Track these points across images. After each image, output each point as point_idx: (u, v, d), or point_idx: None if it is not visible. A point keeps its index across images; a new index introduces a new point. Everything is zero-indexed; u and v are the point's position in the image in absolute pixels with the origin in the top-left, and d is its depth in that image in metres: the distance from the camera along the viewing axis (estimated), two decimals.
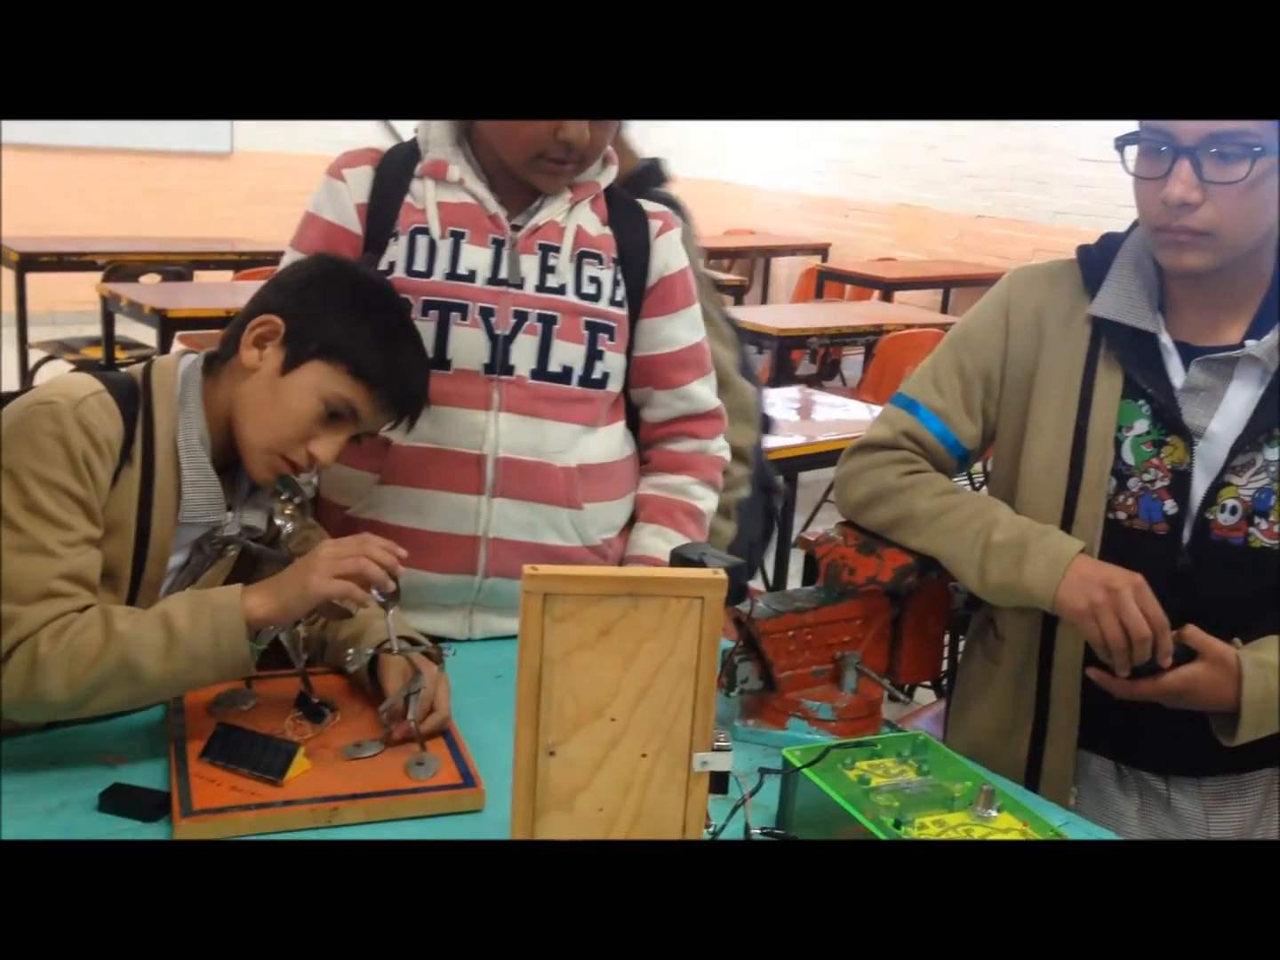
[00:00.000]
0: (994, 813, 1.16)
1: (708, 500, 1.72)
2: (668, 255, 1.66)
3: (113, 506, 1.28)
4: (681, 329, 1.68)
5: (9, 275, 5.13)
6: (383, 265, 1.55)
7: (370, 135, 1.89)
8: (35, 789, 1.19)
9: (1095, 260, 1.46)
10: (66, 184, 7.36)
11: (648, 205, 1.69)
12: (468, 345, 1.54)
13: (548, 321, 1.56)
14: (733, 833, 1.12)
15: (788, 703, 1.43)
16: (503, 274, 1.55)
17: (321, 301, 1.36)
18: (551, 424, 1.57)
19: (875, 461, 1.52)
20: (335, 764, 1.26)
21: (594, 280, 1.59)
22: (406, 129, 1.66)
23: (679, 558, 1.17)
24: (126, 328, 4.63)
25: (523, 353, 1.55)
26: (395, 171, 1.58)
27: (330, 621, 1.41)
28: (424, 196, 1.56)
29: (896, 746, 1.27)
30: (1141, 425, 1.42)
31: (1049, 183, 7.08)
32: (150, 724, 1.33)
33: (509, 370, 1.55)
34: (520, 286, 1.56)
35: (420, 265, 1.54)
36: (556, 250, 1.58)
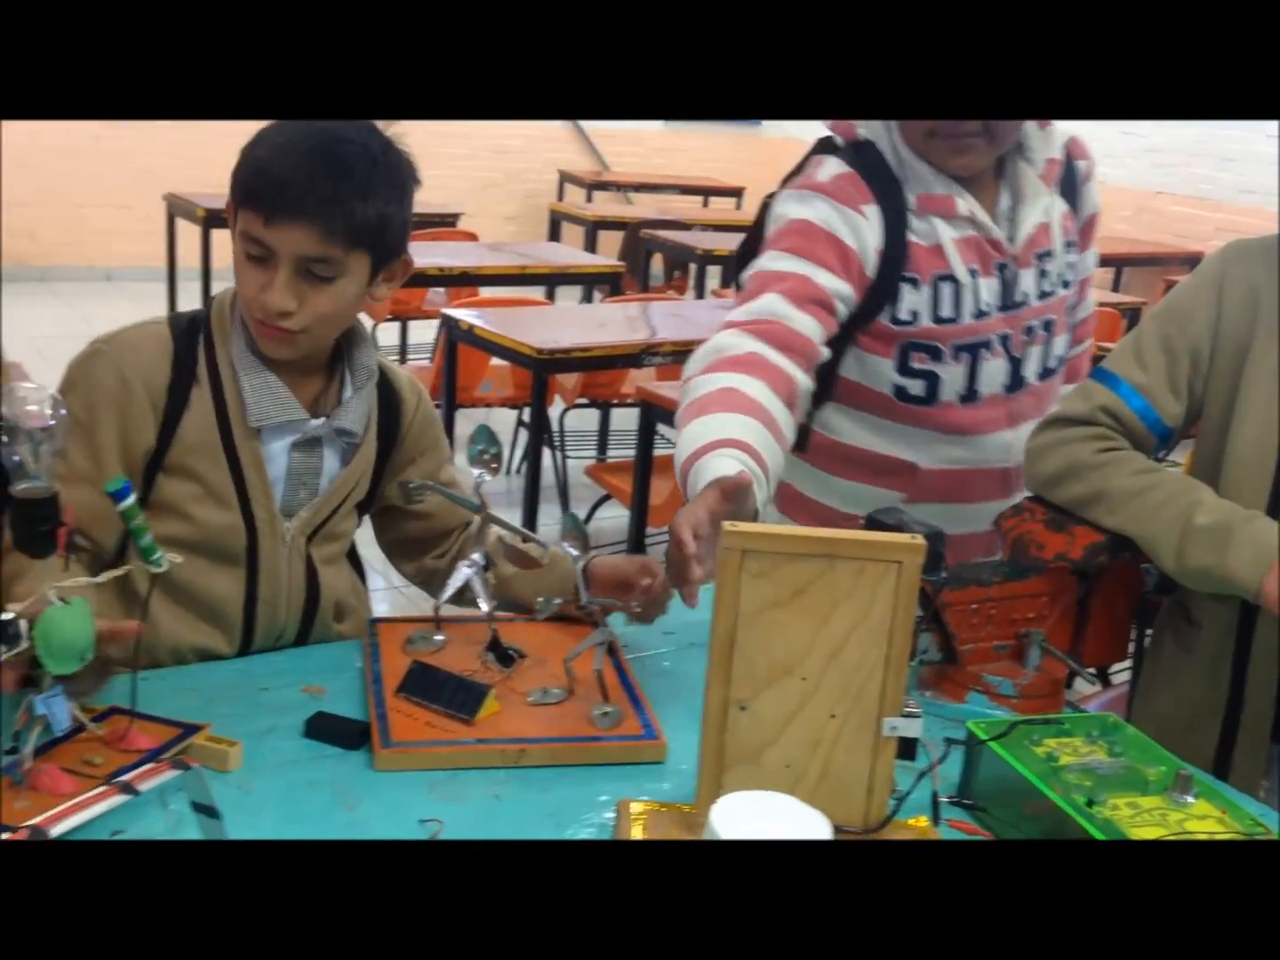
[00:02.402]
0: (1190, 799, 1.13)
1: None
2: (1095, 195, 1.72)
3: (194, 428, 1.33)
4: (1095, 255, 1.77)
5: (195, 230, 5.36)
6: (903, 315, 1.56)
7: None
8: (246, 713, 1.25)
9: None
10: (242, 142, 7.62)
11: (1070, 145, 1.68)
12: (993, 375, 1.61)
13: (1048, 325, 1.65)
14: (919, 800, 1.12)
15: (968, 676, 1.41)
16: (1014, 298, 1.61)
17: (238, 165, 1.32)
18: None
19: (1070, 436, 1.48)
20: (521, 708, 1.29)
21: (1071, 265, 1.67)
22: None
23: (875, 522, 1.16)
24: None
25: (1032, 363, 1.64)
26: (899, 210, 1.55)
27: (519, 569, 1.44)
28: (932, 235, 1.56)
29: (1086, 726, 1.25)
30: None
31: (1235, 159, 6.75)
32: (347, 658, 1.39)
33: (1022, 383, 1.64)
34: (1025, 303, 1.61)
35: (947, 311, 1.57)
36: (1049, 255, 1.63)
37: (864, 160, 1.57)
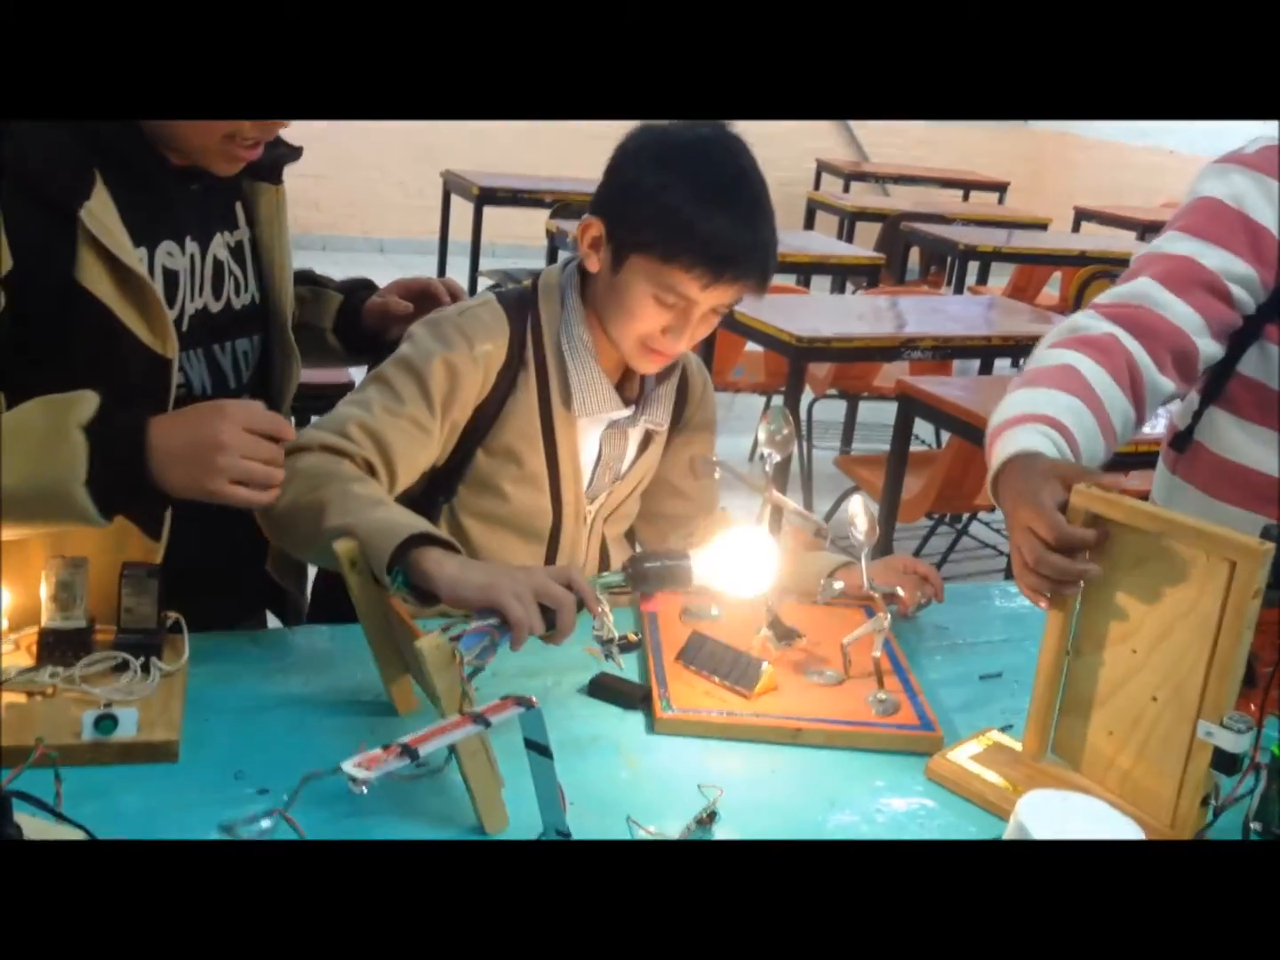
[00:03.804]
0: None
1: None
2: None
3: (519, 412, 1.37)
4: None
5: (468, 207, 5.59)
6: None
7: None
8: (532, 668, 1.31)
9: None
10: (517, 124, 7.89)
11: None
12: None
13: None
14: (1228, 822, 1.06)
15: (1268, 701, 1.33)
16: None
17: (624, 193, 1.31)
18: None
19: None
20: (797, 687, 1.30)
21: None
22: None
23: (1268, 533, 1.10)
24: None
25: None
26: None
27: (797, 553, 1.46)
28: None
29: None
30: None
31: None
32: (623, 624, 1.42)
33: None
34: None
35: None
36: None
37: None
